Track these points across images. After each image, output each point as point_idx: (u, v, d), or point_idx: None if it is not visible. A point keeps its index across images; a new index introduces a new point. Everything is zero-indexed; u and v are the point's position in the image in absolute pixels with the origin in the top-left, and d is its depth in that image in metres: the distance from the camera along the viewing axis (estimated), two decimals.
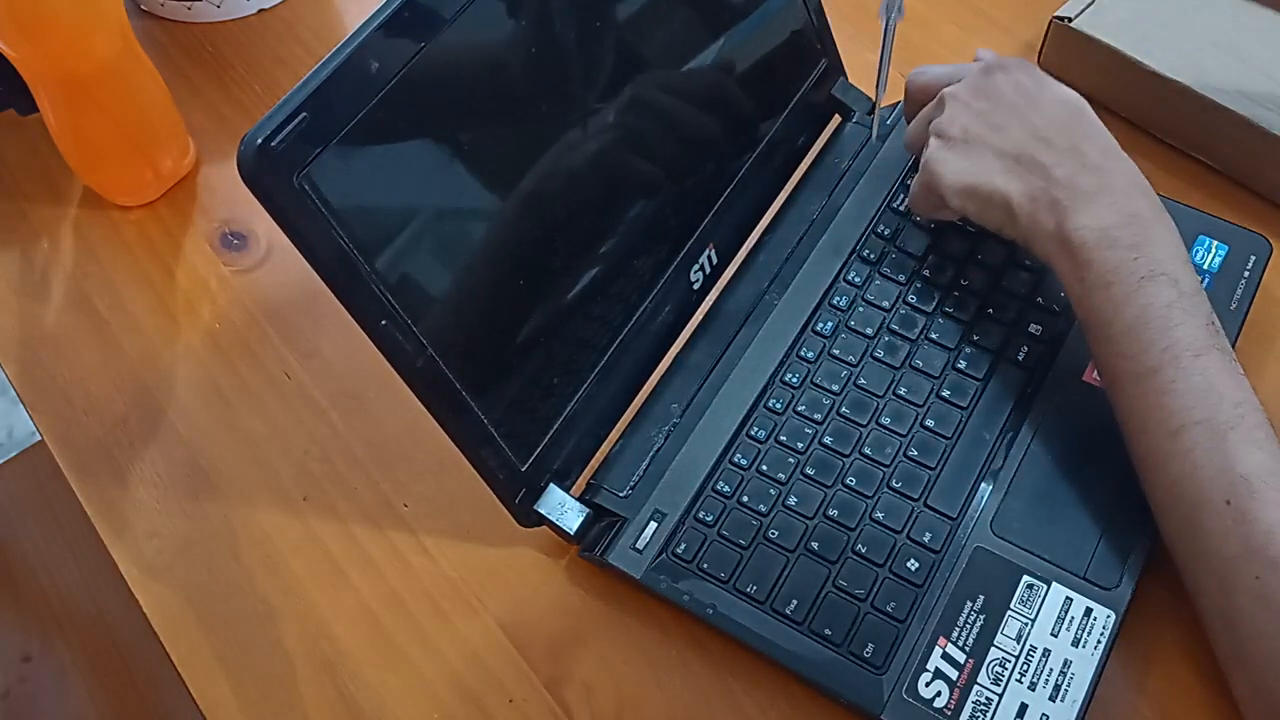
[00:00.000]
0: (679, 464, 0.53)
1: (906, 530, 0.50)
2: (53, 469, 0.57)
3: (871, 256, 0.59)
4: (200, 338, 0.62)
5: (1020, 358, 0.55)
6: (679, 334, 0.57)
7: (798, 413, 0.54)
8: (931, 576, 0.49)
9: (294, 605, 0.52)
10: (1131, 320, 0.47)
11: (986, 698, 0.46)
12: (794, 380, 0.55)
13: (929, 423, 0.53)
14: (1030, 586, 0.49)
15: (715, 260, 0.58)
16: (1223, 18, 0.66)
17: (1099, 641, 0.47)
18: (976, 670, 0.47)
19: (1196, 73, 0.62)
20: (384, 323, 0.43)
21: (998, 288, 0.58)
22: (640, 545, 0.50)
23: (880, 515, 0.51)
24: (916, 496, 0.51)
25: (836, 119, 0.66)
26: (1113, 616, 0.48)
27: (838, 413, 0.54)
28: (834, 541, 0.50)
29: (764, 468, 0.52)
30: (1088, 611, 0.48)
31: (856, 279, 0.58)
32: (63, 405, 0.59)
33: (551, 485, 0.51)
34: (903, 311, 0.57)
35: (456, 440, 0.47)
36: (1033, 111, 0.52)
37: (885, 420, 0.53)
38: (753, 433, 0.53)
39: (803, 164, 0.64)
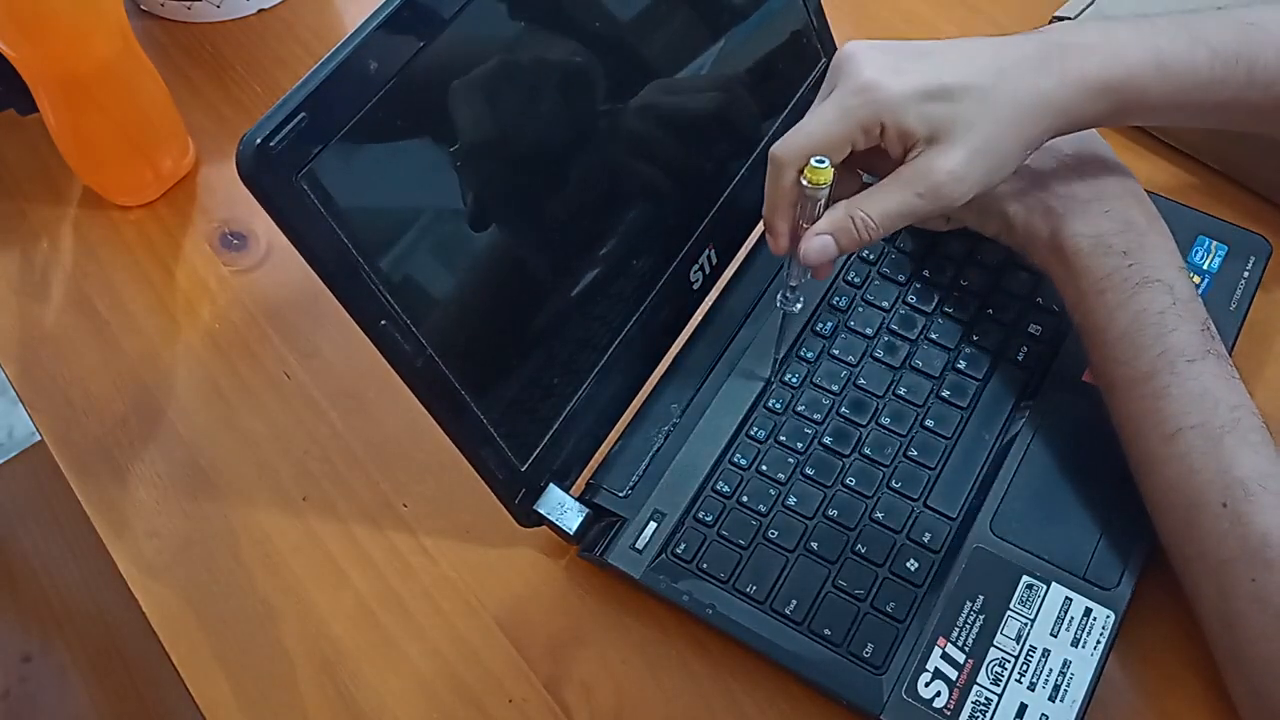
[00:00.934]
0: (679, 464, 0.53)
1: (906, 530, 0.50)
2: (53, 469, 0.57)
3: (871, 257, 0.59)
4: (200, 338, 0.62)
5: (1020, 358, 0.55)
6: (679, 334, 0.57)
7: (797, 413, 0.54)
8: (931, 576, 0.49)
9: (294, 605, 0.52)
10: (1126, 326, 0.48)
11: (986, 698, 0.46)
12: (794, 380, 0.55)
13: (929, 423, 0.53)
14: (1030, 587, 0.49)
15: (715, 260, 0.58)
16: None
17: (1098, 642, 0.47)
18: (976, 670, 0.47)
19: None
20: (383, 323, 0.43)
21: (997, 288, 0.58)
22: (640, 545, 0.50)
23: (880, 515, 0.51)
24: (916, 497, 0.51)
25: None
26: (1112, 616, 0.48)
27: (837, 413, 0.54)
28: (834, 541, 0.50)
29: (764, 468, 0.52)
30: (1087, 612, 0.48)
31: (856, 279, 0.58)
32: (63, 405, 0.59)
33: (551, 485, 0.51)
34: (902, 312, 0.57)
35: (456, 440, 0.47)
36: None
37: (885, 420, 0.54)
38: (752, 433, 0.53)
39: None
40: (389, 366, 0.44)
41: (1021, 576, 0.49)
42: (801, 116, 0.48)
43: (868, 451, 0.53)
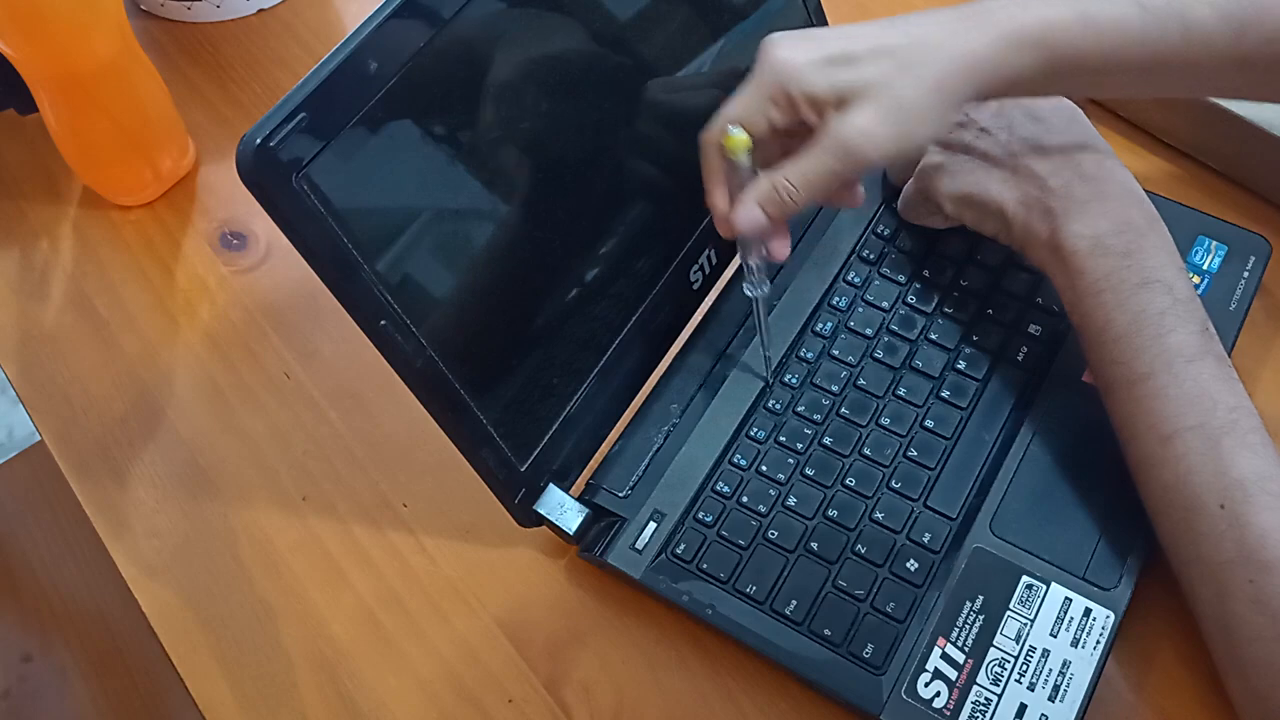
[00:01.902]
0: (678, 464, 0.53)
1: (906, 530, 0.50)
2: (53, 469, 0.57)
3: (871, 257, 0.59)
4: (200, 338, 0.62)
5: (1020, 358, 0.55)
6: (678, 334, 0.57)
7: (797, 413, 0.54)
8: (931, 577, 0.49)
9: (293, 605, 0.52)
10: (1125, 327, 0.48)
11: (985, 698, 0.46)
12: (794, 381, 0.55)
13: (929, 423, 0.53)
14: (1029, 587, 0.49)
15: (715, 260, 0.58)
16: None
17: (1098, 642, 0.47)
18: (976, 670, 0.47)
19: None
20: (383, 323, 0.43)
21: (997, 288, 0.58)
22: (639, 545, 0.50)
23: (880, 515, 0.51)
24: (916, 497, 0.51)
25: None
26: (1112, 617, 0.48)
27: (837, 413, 0.54)
28: (833, 542, 0.50)
29: (763, 468, 0.52)
30: (1087, 612, 0.48)
31: (856, 279, 0.58)
32: (62, 405, 0.59)
33: (551, 485, 0.51)
34: (902, 312, 0.57)
35: (455, 440, 0.47)
36: (1029, 121, 0.53)
37: (885, 420, 0.53)
38: (752, 433, 0.53)
39: None
40: (389, 366, 0.44)
41: (1021, 576, 0.49)
42: None
43: (867, 452, 0.53)
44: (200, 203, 0.68)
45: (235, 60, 0.74)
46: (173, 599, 0.53)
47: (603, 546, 0.51)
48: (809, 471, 0.52)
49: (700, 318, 0.58)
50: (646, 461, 0.53)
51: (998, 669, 0.47)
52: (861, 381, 0.55)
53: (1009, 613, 0.48)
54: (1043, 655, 0.47)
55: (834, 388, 0.55)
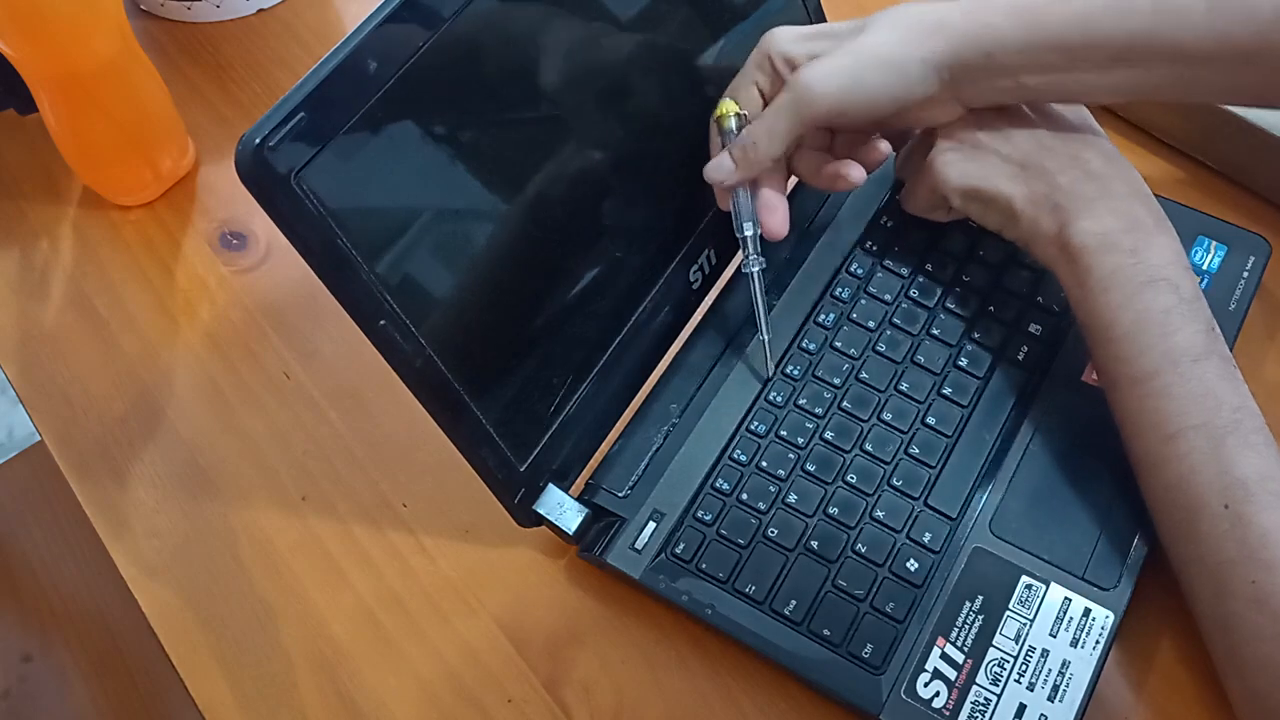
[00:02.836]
0: (678, 464, 0.53)
1: (906, 530, 0.50)
2: (52, 469, 0.57)
3: (875, 249, 0.59)
4: (200, 338, 0.62)
5: (1020, 357, 0.55)
6: (678, 334, 0.57)
7: (798, 406, 0.54)
8: (931, 576, 0.49)
9: (293, 605, 0.52)
10: (1130, 325, 0.48)
11: (985, 698, 0.46)
12: (795, 373, 0.55)
13: (930, 420, 0.53)
14: (1029, 587, 0.49)
15: (715, 260, 0.58)
16: None
17: (1098, 642, 0.47)
18: (975, 670, 0.47)
19: None
20: (382, 323, 0.43)
21: (998, 286, 0.58)
22: (639, 545, 0.50)
23: (880, 514, 0.51)
24: (916, 496, 0.51)
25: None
26: (1111, 617, 0.48)
27: (839, 407, 0.54)
28: (833, 541, 0.50)
29: (763, 464, 0.52)
30: (1086, 612, 0.48)
31: (860, 271, 0.58)
32: (62, 405, 0.59)
33: (550, 485, 0.51)
34: (905, 305, 0.57)
35: (455, 440, 0.47)
36: (1038, 117, 0.53)
37: (886, 417, 0.53)
38: (752, 427, 0.53)
39: None
40: (388, 366, 0.44)
41: (1021, 576, 0.49)
42: None
43: (869, 448, 0.53)
44: (200, 203, 0.68)
45: (235, 60, 0.74)
46: (173, 599, 0.53)
47: (602, 546, 0.51)
48: (809, 468, 0.52)
49: (700, 318, 0.58)
50: (646, 461, 0.53)
51: (997, 669, 0.47)
52: (863, 375, 0.55)
53: (1008, 613, 0.48)
54: (1042, 655, 0.47)
55: (835, 380, 0.54)
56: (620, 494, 0.52)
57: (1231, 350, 0.55)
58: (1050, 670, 0.47)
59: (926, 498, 0.51)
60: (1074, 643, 0.47)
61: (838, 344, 0.56)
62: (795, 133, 0.51)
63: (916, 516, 0.51)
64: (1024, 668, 0.47)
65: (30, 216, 0.67)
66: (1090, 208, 0.50)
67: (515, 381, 0.49)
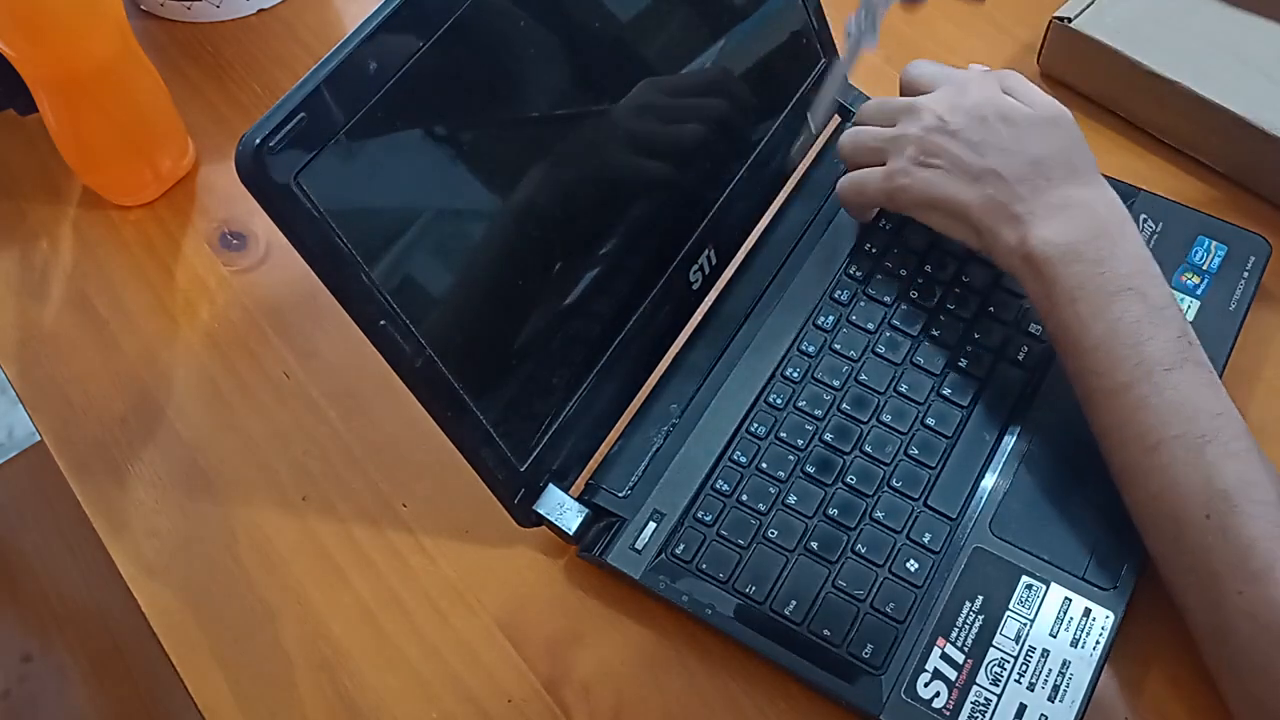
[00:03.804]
0: (678, 464, 0.53)
1: (906, 530, 0.50)
2: (52, 469, 0.57)
3: (874, 251, 0.59)
4: (199, 338, 0.62)
5: (1020, 357, 0.55)
6: (678, 334, 0.57)
7: (798, 408, 0.54)
8: (931, 577, 0.49)
9: (293, 605, 0.52)
10: (1101, 336, 0.47)
11: (985, 698, 0.46)
12: (795, 375, 0.55)
13: (929, 421, 0.53)
14: (1029, 587, 0.49)
15: (715, 260, 0.58)
16: (1222, 19, 0.66)
17: (1098, 642, 0.47)
18: (975, 670, 0.47)
19: (1196, 73, 0.62)
20: (382, 323, 0.43)
21: (998, 286, 0.58)
22: (639, 545, 0.50)
23: (880, 515, 0.51)
24: (916, 496, 0.51)
25: (836, 119, 0.66)
26: (1112, 617, 0.48)
27: (838, 409, 0.54)
28: (833, 541, 0.50)
29: (763, 465, 0.52)
30: (1087, 612, 0.48)
31: (859, 273, 0.58)
32: (62, 405, 0.59)
33: (550, 485, 0.51)
34: (904, 308, 0.57)
35: (455, 440, 0.47)
36: (1002, 124, 0.52)
37: (886, 418, 0.53)
38: (752, 429, 0.53)
39: (802, 165, 0.64)
40: (388, 367, 0.44)
41: (1021, 577, 0.49)
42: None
43: (868, 449, 0.53)
44: (200, 203, 0.68)
45: (235, 60, 0.74)
46: (173, 599, 0.53)
47: (602, 546, 0.51)
48: (809, 469, 0.52)
49: (700, 318, 0.58)
50: (646, 461, 0.53)
51: (997, 669, 0.47)
52: (863, 377, 0.55)
53: (1009, 613, 0.48)
54: (1042, 655, 0.47)
55: (835, 382, 0.54)
56: (620, 494, 0.52)
57: (1232, 350, 0.55)
58: (1050, 670, 0.47)
59: (926, 498, 0.51)
60: (1074, 643, 0.47)
61: (837, 346, 0.56)
62: None
63: (916, 517, 0.51)
64: (1024, 668, 0.47)
65: (30, 216, 0.67)
66: (1051, 216, 0.49)
67: (515, 381, 0.49)
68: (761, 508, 0.51)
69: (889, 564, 0.50)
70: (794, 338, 0.56)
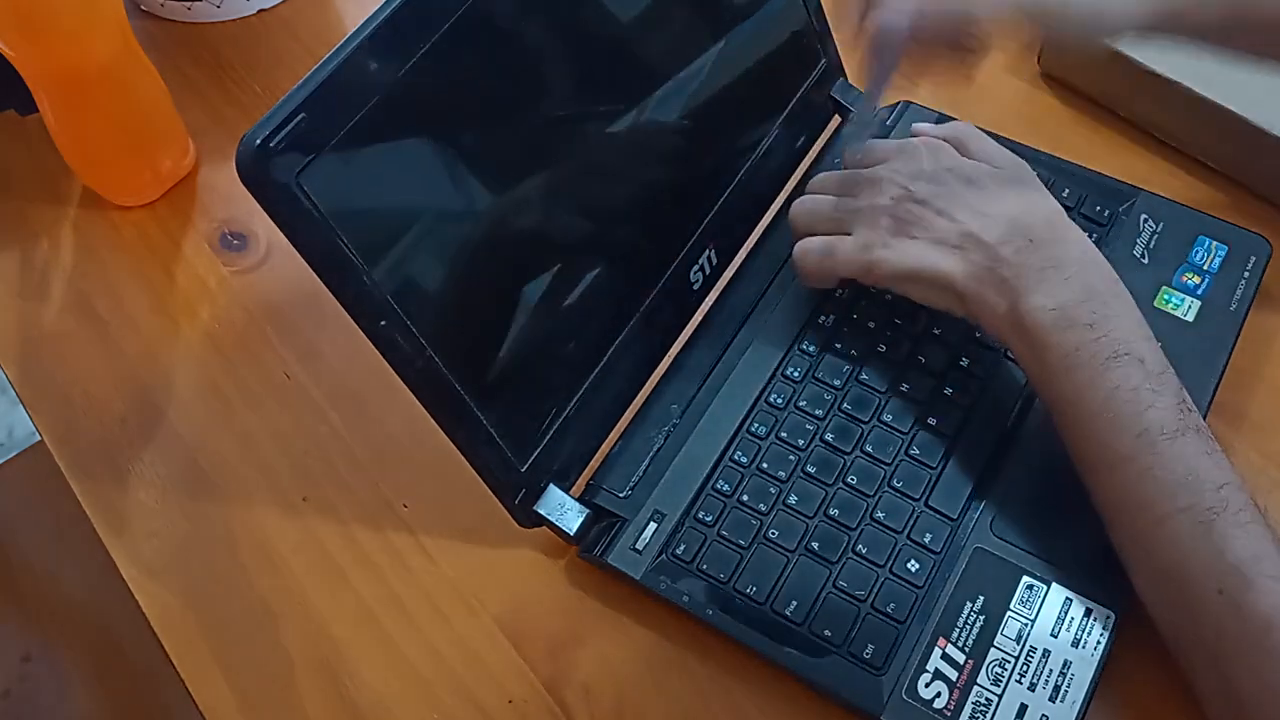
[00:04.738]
0: (679, 464, 0.52)
1: (907, 531, 0.50)
2: (53, 469, 0.57)
3: None
4: (200, 338, 0.62)
5: None
6: (679, 334, 0.57)
7: (799, 408, 0.54)
8: (931, 577, 0.49)
9: (293, 605, 0.52)
10: (1100, 405, 0.45)
11: (986, 698, 0.46)
12: (796, 375, 0.55)
13: (931, 421, 0.53)
14: (1030, 587, 0.49)
15: (715, 260, 0.58)
16: None
17: (1099, 642, 0.47)
18: (976, 671, 0.47)
19: (1196, 73, 0.62)
20: (383, 323, 0.43)
21: None
22: (640, 546, 0.50)
23: (881, 515, 0.51)
24: (917, 496, 0.51)
25: (836, 119, 0.66)
26: (1112, 617, 0.48)
27: (839, 409, 0.54)
28: (834, 542, 0.50)
29: (764, 465, 0.52)
30: (1088, 612, 0.48)
31: None
32: (62, 405, 0.59)
33: (551, 486, 0.51)
34: (906, 306, 0.57)
35: (456, 441, 0.47)
36: (968, 188, 0.51)
37: (887, 418, 0.53)
38: (753, 429, 0.53)
39: (803, 164, 0.64)
40: (389, 367, 0.44)
41: (1022, 577, 0.49)
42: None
43: (869, 449, 0.53)
44: (200, 203, 0.68)
45: (235, 60, 0.74)
46: (173, 599, 0.53)
47: (603, 547, 0.51)
48: (810, 469, 0.52)
49: (701, 318, 0.58)
50: (647, 462, 0.53)
51: (998, 669, 0.47)
52: (864, 376, 0.55)
53: (1009, 613, 0.48)
54: (1043, 655, 0.47)
55: (836, 382, 0.54)
56: (621, 494, 0.52)
57: (1232, 351, 0.55)
58: (1051, 670, 0.47)
59: (927, 498, 0.51)
60: (1075, 643, 0.47)
61: (839, 344, 0.56)
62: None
63: (917, 517, 0.51)
64: (1025, 668, 0.47)
65: (30, 216, 0.67)
66: (1040, 280, 0.47)
67: (516, 382, 0.49)
68: (762, 508, 0.51)
69: (890, 564, 0.50)
70: (795, 337, 0.56)
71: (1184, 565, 0.43)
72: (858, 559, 0.50)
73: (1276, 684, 0.41)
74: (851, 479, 0.52)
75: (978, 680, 0.47)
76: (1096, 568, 0.49)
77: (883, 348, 0.56)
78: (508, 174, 0.48)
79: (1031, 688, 0.46)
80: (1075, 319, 0.47)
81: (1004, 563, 0.50)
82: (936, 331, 0.56)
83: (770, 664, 0.48)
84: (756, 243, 0.60)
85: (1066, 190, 0.61)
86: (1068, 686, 0.46)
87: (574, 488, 0.53)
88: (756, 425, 0.53)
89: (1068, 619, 0.48)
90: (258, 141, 0.38)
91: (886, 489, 0.52)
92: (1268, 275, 0.58)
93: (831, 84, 0.65)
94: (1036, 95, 0.70)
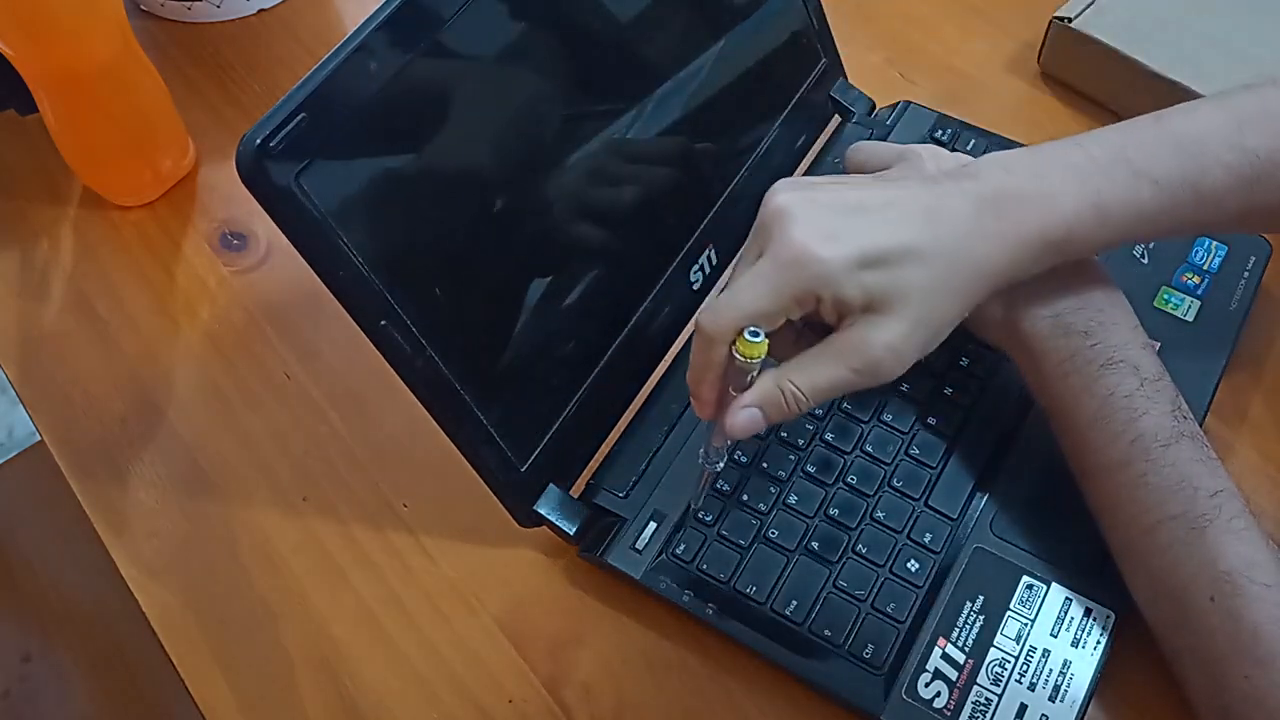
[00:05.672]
0: (679, 464, 0.52)
1: (907, 530, 0.50)
2: (53, 469, 0.57)
3: None
4: (200, 338, 0.62)
5: None
6: (679, 334, 0.57)
7: None
8: (931, 577, 0.49)
9: (293, 605, 0.52)
10: (1094, 412, 0.46)
11: (986, 698, 0.46)
12: None
13: (931, 420, 0.53)
14: (1030, 587, 0.49)
15: (715, 260, 0.58)
16: (1221, 17, 0.66)
17: (1099, 642, 0.47)
18: (976, 671, 0.47)
19: (1196, 73, 0.62)
20: (383, 323, 0.43)
21: None
22: (640, 545, 0.50)
23: (881, 515, 0.51)
24: (917, 496, 0.51)
25: (836, 119, 0.66)
26: (1112, 617, 0.48)
27: (839, 408, 0.54)
28: (834, 541, 0.50)
29: (764, 465, 0.52)
30: (1087, 612, 0.48)
31: None
32: (62, 405, 0.59)
33: (551, 485, 0.51)
34: None
35: (456, 441, 0.47)
36: None
37: (887, 417, 0.53)
38: None
39: (803, 164, 0.64)
40: (389, 367, 0.44)
41: (1022, 577, 0.49)
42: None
43: (869, 449, 0.53)
44: (200, 203, 0.68)
45: (235, 60, 0.74)
46: (173, 599, 0.53)
47: (603, 547, 0.51)
48: (810, 468, 0.52)
49: None
50: (647, 461, 0.53)
51: (998, 669, 0.47)
52: None
53: (1009, 613, 0.48)
54: (1043, 655, 0.47)
55: None
56: (621, 494, 0.52)
57: (1232, 351, 0.55)
58: (1051, 670, 0.47)
59: (927, 498, 0.51)
60: (1075, 643, 0.47)
61: None
62: (847, 393, 0.45)
63: (917, 517, 0.51)
64: (1025, 668, 0.47)
65: (30, 216, 0.67)
66: (1038, 288, 0.47)
67: (516, 381, 0.49)
68: (762, 507, 0.51)
69: (890, 564, 0.50)
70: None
71: (1176, 572, 0.43)
72: (858, 559, 0.50)
73: (1266, 692, 0.40)
74: (851, 479, 0.52)
75: (978, 680, 0.47)
76: (1096, 568, 0.49)
77: None
78: (507, 174, 0.48)
79: (1031, 687, 0.46)
80: (1071, 326, 0.47)
81: (1004, 563, 0.50)
82: None
83: (770, 664, 0.48)
84: None
85: None
86: (1067, 686, 0.46)
87: (574, 487, 0.53)
88: None
89: (1067, 619, 0.48)
90: (258, 141, 0.38)
91: (886, 489, 0.52)
92: (1267, 275, 0.58)
93: (831, 84, 0.65)
94: (1036, 95, 0.70)
